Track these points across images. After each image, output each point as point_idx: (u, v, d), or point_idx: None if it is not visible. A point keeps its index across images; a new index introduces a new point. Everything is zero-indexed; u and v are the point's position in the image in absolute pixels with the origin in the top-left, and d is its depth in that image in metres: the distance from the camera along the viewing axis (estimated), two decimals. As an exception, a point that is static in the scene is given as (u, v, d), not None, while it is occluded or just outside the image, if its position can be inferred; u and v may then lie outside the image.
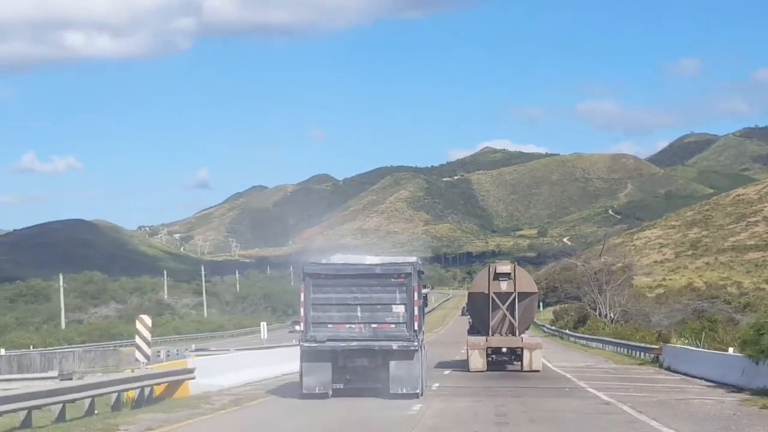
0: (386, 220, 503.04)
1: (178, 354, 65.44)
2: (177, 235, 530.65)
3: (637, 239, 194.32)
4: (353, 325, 29.29)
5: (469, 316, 48.94)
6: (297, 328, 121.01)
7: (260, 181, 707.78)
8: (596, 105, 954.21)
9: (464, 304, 54.03)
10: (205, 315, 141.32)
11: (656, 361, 50.41)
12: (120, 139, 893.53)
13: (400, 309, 29.19)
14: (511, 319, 44.33)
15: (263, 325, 78.47)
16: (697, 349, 46.22)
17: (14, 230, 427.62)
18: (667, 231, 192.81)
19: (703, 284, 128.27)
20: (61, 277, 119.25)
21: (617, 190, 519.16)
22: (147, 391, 29.53)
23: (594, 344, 76.45)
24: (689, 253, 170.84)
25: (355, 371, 30.15)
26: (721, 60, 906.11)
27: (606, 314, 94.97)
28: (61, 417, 24.40)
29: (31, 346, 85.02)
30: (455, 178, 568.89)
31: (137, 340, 31.93)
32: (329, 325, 29.37)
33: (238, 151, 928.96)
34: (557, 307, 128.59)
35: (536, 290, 47.80)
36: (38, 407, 23.67)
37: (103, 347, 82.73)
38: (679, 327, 65.02)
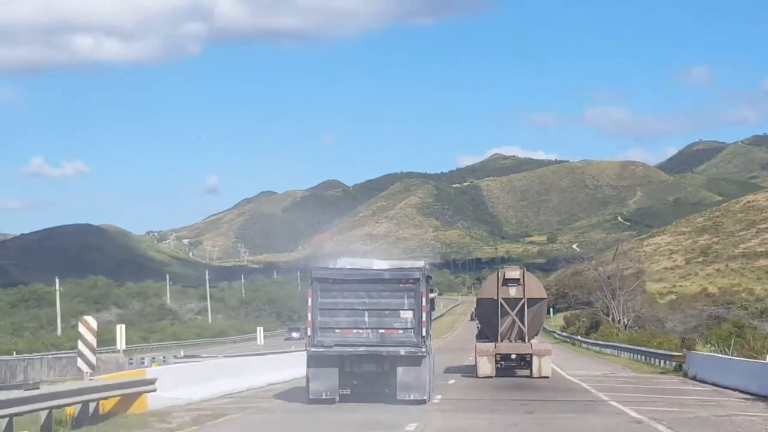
0: (396, 226, 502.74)
1: (165, 360, 62.07)
2: (186, 241, 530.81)
3: (647, 245, 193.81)
4: (361, 331, 28.99)
5: (477, 322, 48.50)
6: (294, 335, 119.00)
7: (269, 187, 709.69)
8: (605, 112, 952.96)
9: (473, 310, 53.59)
10: (210, 320, 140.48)
11: (679, 370, 47.58)
12: (129, 143, 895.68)
13: (408, 314, 28.91)
14: (521, 325, 44.00)
15: (260, 330, 77.43)
16: (728, 357, 43.05)
17: (22, 234, 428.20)
18: (677, 237, 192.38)
19: (717, 290, 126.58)
20: (57, 281, 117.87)
21: (626, 197, 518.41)
22: (92, 406, 25.11)
23: (608, 351, 73.83)
24: (700, 259, 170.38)
25: (363, 377, 29.90)
26: (730, 68, 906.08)
27: (619, 320, 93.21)
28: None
29: (14, 352, 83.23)
30: (465, 184, 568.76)
31: (80, 346, 28.83)
32: (337, 330, 29.04)
33: (247, 157, 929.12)
34: (568, 313, 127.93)
35: (545, 296, 47.35)
36: None
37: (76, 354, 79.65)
38: (705, 333, 63.58)
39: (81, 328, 28.97)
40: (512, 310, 43.86)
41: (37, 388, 25.53)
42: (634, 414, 27.08)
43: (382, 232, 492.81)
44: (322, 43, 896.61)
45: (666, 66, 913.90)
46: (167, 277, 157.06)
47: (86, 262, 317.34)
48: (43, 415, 21.65)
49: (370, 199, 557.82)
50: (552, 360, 53.06)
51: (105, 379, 27.62)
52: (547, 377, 43.16)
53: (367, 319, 28.92)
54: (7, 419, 19.71)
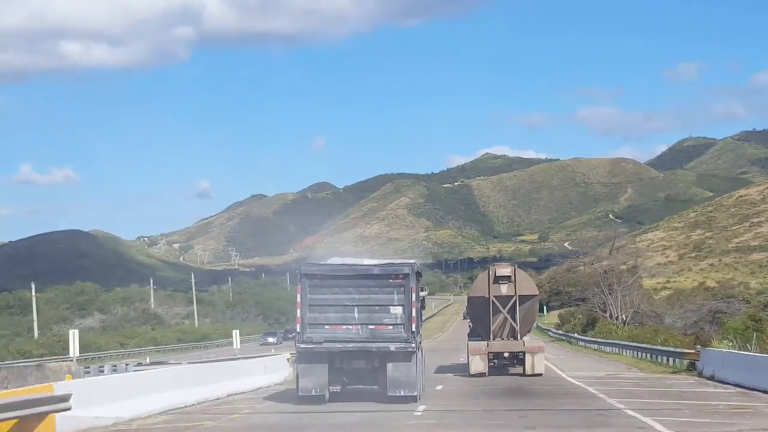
0: (387, 227, 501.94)
1: (126, 368, 57.56)
2: (176, 245, 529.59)
3: (640, 241, 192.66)
4: (350, 327, 28.76)
5: (469, 321, 47.94)
6: (270, 340, 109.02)
7: (260, 190, 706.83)
8: (595, 110, 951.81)
9: (465, 309, 52.61)
10: (197, 324, 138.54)
11: (692, 369, 43.73)
12: (119, 149, 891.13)
13: (397, 310, 28.69)
14: (512, 323, 43.50)
15: (235, 334, 74.94)
16: (753, 354, 38.46)
17: (10, 242, 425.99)
18: (670, 233, 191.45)
19: (716, 284, 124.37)
20: (33, 286, 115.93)
21: (617, 195, 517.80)
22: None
23: (608, 349, 70.18)
24: (693, 254, 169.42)
25: (353, 373, 29.70)
26: (719, 64, 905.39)
27: (617, 316, 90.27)
28: None
29: None
30: (456, 184, 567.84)
31: None
32: (326, 327, 28.79)
33: (237, 161, 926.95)
34: (563, 311, 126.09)
35: (537, 293, 46.72)
36: None
37: (23, 364, 68.25)
38: (708, 328, 61.67)
39: None
40: (504, 308, 43.42)
41: None
42: (659, 428, 22.70)
43: (374, 233, 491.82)
44: (311, 46, 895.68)
45: (654, 63, 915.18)
46: (151, 281, 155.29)
47: (75, 268, 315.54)
48: None
49: (360, 201, 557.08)
50: (549, 359, 51.94)
51: (-4, 398, 21.98)
52: (540, 374, 42.72)
53: (356, 315, 28.72)
54: None
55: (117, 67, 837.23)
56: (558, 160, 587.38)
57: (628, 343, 65.08)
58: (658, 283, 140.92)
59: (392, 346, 28.61)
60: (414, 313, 28.74)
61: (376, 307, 28.73)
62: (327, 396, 29.42)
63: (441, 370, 50.13)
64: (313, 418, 25.87)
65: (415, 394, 29.23)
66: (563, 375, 43.85)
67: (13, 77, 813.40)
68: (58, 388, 23.81)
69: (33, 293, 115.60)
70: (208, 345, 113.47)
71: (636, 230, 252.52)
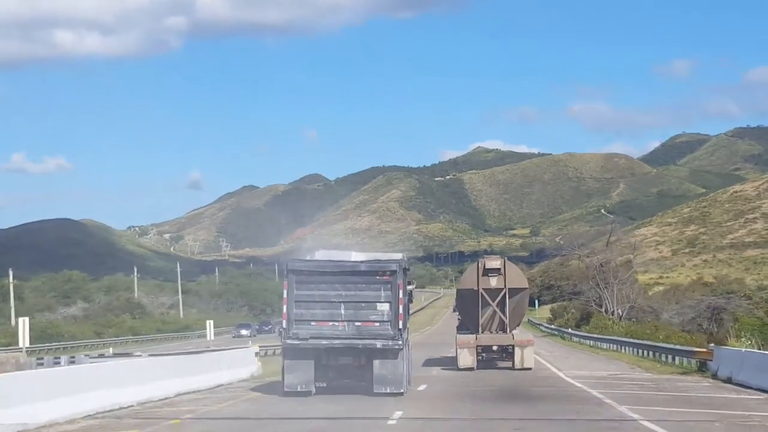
0: (378, 220, 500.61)
1: (75, 360, 52.75)
2: (167, 235, 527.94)
3: (632, 237, 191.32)
4: (337, 323, 28.78)
5: (458, 313, 47.44)
6: (243, 332, 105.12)
7: (251, 181, 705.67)
8: (588, 106, 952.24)
9: (455, 302, 51.69)
10: (182, 315, 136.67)
11: (704, 370, 40.06)
12: (111, 138, 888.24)
13: (384, 307, 28.68)
14: (502, 316, 43.04)
15: (209, 324, 72.37)
16: None
17: (0, 230, 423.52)
18: (664, 228, 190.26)
19: (714, 279, 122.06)
20: (11, 272, 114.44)
21: (610, 190, 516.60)
22: None
23: (605, 345, 66.31)
24: (686, 250, 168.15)
25: (339, 370, 29.71)
26: (712, 61, 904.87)
27: (613, 311, 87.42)
28: None
29: None
30: (447, 177, 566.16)
31: None
32: (312, 323, 28.82)
33: (229, 151, 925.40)
34: (555, 305, 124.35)
35: (527, 286, 46.42)
36: None
37: None
38: (706, 324, 59.81)
39: None
40: (493, 301, 42.94)
41: None
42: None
43: (365, 225, 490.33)
44: (304, 37, 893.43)
45: (648, 60, 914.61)
46: (135, 269, 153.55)
47: (65, 257, 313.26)
48: None
49: (352, 193, 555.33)
50: (543, 356, 50.47)
51: None
52: (529, 368, 42.38)
53: (343, 312, 28.71)
54: None
55: (110, 56, 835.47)
56: (550, 154, 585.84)
57: (628, 339, 61.33)
58: (651, 278, 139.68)
59: (379, 343, 28.57)
60: (401, 310, 28.61)
61: (363, 304, 28.66)
62: (313, 391, 29.36)
63: (428, 363, 49.11)
64: (269, 426, 23.40)
65: (402, 390, 29.16)
66: (561, 374, 40.73)
67: (5, 65, 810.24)
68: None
69: (10, 280, 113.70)
70: (188, 336, 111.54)
71: (628, 225, 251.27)
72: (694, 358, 42.82)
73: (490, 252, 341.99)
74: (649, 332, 62.02)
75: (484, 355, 44.03)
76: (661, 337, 57.39)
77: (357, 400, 28.12)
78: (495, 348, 43.70)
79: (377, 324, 28.70)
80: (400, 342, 28.76)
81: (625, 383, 35.68)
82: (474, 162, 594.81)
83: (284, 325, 29.16)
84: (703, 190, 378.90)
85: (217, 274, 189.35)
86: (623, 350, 59.56)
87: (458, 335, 44.25)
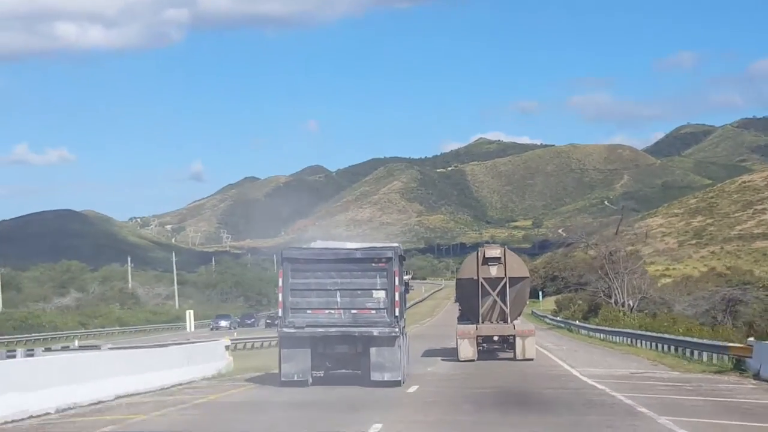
0: (379, 211, 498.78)
1: (34, 353, 48.35)
2: (168, 227, 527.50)
3: (638, 228, 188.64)
4: (333, 311, 28.58)
5: (458, 304, 46.68)
6: (222, 323, 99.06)
7: (253, 173, 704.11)
8: (591, 98, 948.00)
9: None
10: (177, 305, 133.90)
11: (742, 368, 35.38)
12: (113, 130, 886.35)
13: (380, 294, 28.52)
14: (502, 306, 42.44)
15: (189, 314, 69.31)
16: None
17: (2, 221, 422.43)
18: (670, 219, 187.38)
19: (727, 270, 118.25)
20: None
21: (613, 181, 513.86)
22: None
23: (617, 339, 61.51)
24: (693, 242, 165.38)
25: (335, 358, 29.56)
26: (717, 52, 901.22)
27: (623, 302, 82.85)
28: None
29: None
30: (449, 169, 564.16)
31: None
32: (308, 311, 28.61)
33: (231, 143, 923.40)
34: (560, 296, 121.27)
35: (528, 275, 45.75)
36: None
37: None
38: (721, 317, 56.26)
39: None
40: (493, 290, 42.33)
41: None
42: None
43: (366, 217, 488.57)
44: (305, 29, 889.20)
45: (651, 51, 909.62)
46: (129, 259, 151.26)
47: (66, 247, 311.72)
48: None
49: (353, 185, 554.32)
50: (552, 351, 47.79)
51: None
52: (531, 359, 41.65)
53: (339, 300, 28.51)
54: None
55: (112, 49, 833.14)
56: (553, 146, 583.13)
57: (644, 333, 55.98)
58: (657, 270, 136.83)
59: (375, 331, 28.34)
60: (397, 297, 28.47)
61: (359, 292, 28.48)
62: (310, 381, 29.12)
63: (428, 354, 47.94)
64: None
65: (399, 378, 28.95)
66: (575, 373, 35.68)
67: (8, 58, 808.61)
68: None
69: None
70: (179, 327, 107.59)
71: (630, 218, 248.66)
72: (727, 354, 38.26)
73: (491, 244, 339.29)
74: (666, 325, 58.04)
75: (484, 345, 43.41)
76: (681, 330, 53.01)
77: (334, 404, 24.63)
78: (496, 338, 43.12)
79: (373, 311, 28.44)
80: (397, 329, 28.50)
81: (654, 385, 30.70)
82: (476, 153, 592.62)
83: (280, 314, 28.85)
84: (709, 182, 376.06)
85: (213, 264, 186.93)
86: (639, 344, 54.67)
87: (458, 326, 43.53)
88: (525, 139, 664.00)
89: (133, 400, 26.18)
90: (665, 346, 48.29)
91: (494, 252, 43.01)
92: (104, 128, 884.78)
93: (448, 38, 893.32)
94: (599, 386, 29.38)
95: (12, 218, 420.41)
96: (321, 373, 30.06)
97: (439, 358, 44.76)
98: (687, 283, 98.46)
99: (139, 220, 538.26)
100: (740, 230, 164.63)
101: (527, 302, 57.64)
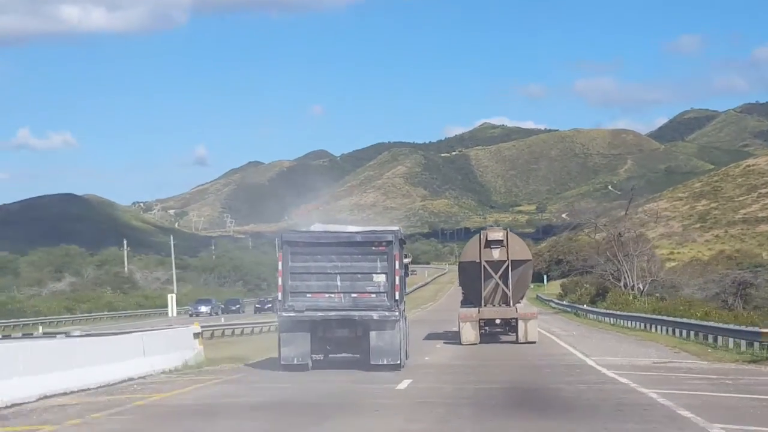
0: (383, 196, 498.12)
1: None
2: (171, 211, 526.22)
3: (641, 212, 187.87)
4: (332, 295, 28.46)
5: (462, 288, 46.53)
6: (202, 309, 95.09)
7: (257, 157, 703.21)
8: (595, 82, 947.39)
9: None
10: (175, 290, 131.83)
11: None
12: (117, 114, 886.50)
13: (380, 278, 28.41)
14: (505, 289, 42.36)
15: (171, 298, 66.94)
16: None
17: (3, 204, 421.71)
18: (674, 203, 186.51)
19: (737, 252, 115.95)
20: None
21: (617, 166, 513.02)
22: None
23: (629, 324, 58.16)
24: (697, 225, 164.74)
25: (335, 342, 29.43)
26: (720, 37, 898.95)
27: (633, 285, 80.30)
28: None
29: None
30: (453, 153, 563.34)
31: None
32: (308, 295, 28.50)
33: (235, 127, 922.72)
34: (565, 280, 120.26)
35: (530, 258, 45.70)
36: None
37: None
38: (732, 300, 54.69)
39: None
40: (496, 273, 42.33)
41: None
42: None
43: (370, 201, 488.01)
44: (310, 12, 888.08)
45: (655, 36, 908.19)
46: (125, 242, 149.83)
47: (67, 232, 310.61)
48: None
49: (357, 169, 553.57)
50: (561, 337, 47.37)
51: None
52: (533, 342, 41.38)
53: (339, 283, 28.42)
54: None
55: (115, 31, 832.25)
56: (557, 130, 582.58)
57: (660, 317, 52.43)
58: (662, 253, 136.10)
59: (375, 315, 28.19)
60: (397, 281, 28.35)
61: (359, 275, 28.36)
62: (310, 365, 29.01)
63: (430, 337, 47.53)
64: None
65: (399, 362, 28.80)
66: (590, 362, 31.93)
67: (11, 40, 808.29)
68: None
69: None
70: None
71: (637, 201, 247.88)
72: (759, 341, 34.79)
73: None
74: (682, 309, 54.42)
75: (487, 328, 43.48)
76: (699, 314, 49.98)
77: (304, 409, 20.56)
78: (498, 321, 43.13)
79: (373, 295, 28.27)
80: (397, 313, 28.36)
81: (685, 378, 26.35)
82: (480, 138, 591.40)
83: (280, 298, 28.69)
84: (712, 167, 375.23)
85: (213, 247, 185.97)
86: (653, 329, 51.62)
87: (460, 309, 43.39)
88: (529, 124, 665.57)
89: (58, 401, 21.78)
90: (684, 332, 45.32)
91: (496, 235, 43.01)
92: (107, 112, 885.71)
93: (453, 23, 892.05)
94: (621, 379, 25.52)
95: (13, 202, 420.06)
96: (321, 357, 29.97)
97: (441, 341, 44.33)
98: (695, 266, 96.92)
99: (142, 204, 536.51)
100: (744, 214, 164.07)
101: (530, 285, 57.48)
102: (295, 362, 28.77)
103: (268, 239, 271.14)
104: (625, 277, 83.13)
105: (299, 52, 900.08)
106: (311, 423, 18.04)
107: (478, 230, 45.52)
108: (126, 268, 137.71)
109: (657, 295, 74.77)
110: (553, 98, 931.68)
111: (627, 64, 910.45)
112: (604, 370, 28.75)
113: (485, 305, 42.46)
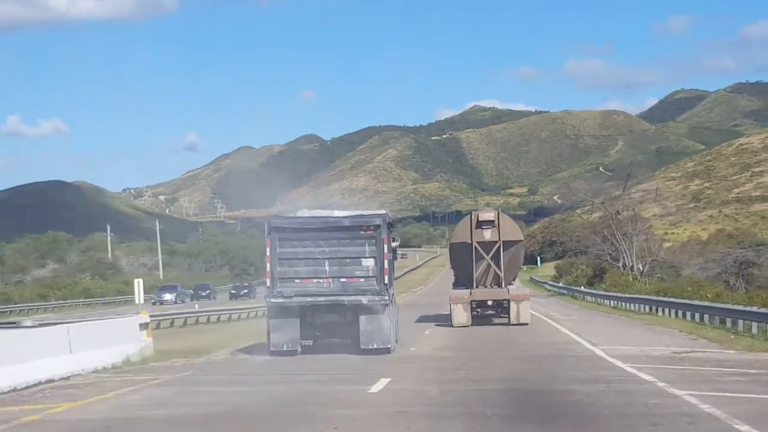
0: (374, 180, 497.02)
1: None
2: (162, 197, 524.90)
3: (635, 192, 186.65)
4: (321, 280, 28.27)
5: (453, 270, 46.04)
6: (167, 297, 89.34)
7: (247, 142, 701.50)
8: (585, 64, 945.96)
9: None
10: (161, 275, 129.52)
11: None
12: (107, 101, 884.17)
13: (369, 262, 28.22)
14: (497, 270, 41.81)
15: (138, 283, 63.72)
16: None
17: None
18: (667, 183, 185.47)
19: (736, 230, 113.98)
20: None
21: (608, 147, 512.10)
22: None
23: (632, 306, 54.62)
24: (691, 205, 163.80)
25: (325, 327, 29.24)
26: (710, 17, 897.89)
27: (632, 266, 77.28)
28: None
29: None
30: (444, 136, 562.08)
31: None
32: (296, 281, 28.28)
33: (225, 113, 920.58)
34: (560, 261, 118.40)
35: (522, 238, 45.18)
36: None
37: None
38: (734, 280, 52.94)
39: None
40: (487, 255, 41.85)
41: None
42: None
43: (361, 185, 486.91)
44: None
45: (645, 16, 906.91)
46: (108, 228, 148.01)
47: (56, 219, 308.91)
48: None
49: (348, 153, 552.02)
50: (560, 321, 46.02)
51: None
52: (525, 324, 40.72)
53: (327, 268, 28.25)
54: None
55: (105, 18, 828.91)
56: (548, 112, 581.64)
57: (669, 299, 48.65)
58: (656, 234, 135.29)
59: (364, 299, 28.01)
60: (386, 265, 28.22)
61: (348, 260, 28.15)
62: (299, 350, 28.82)
63: (422, 320, 46.98)
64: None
65: (389, 346, 28.63)
66: (600, 353, 27.71)
67: (0, 28, 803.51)
68: None
69: None
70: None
71: (631, 181, 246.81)
72: None
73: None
74: (690, 290, 51.03)
75: (479, 310, 43.16)
76: (709, 296, 47.00)
77: (248, 419, 16.23)
78: (490, 303, 42.69)
79: (362, 280, 28.07)
80: (387, 297, 28.22)
81: (722, 373, 21.65)
82: (470, 121, 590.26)
83: (268, 284, 28.41)
84: (703, 147, 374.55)
85: (200, 231, 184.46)
86: (659, 312, 48.11)
87: (452, 291, 43.02)
88: (520, 106, 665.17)
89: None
90: (695, 315, 41.49)
91: (488, 215, 42.52)
92: (98, 99, 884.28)
93: (442, 5, 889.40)
94: (643, 375, 21.06)
95: (3, 190, 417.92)
96: (310, 342, 29.86)
97: (432, 324, 43.78)
98: (695, 245, 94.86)
99: (132, 191, 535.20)
100: (738, 193, 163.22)
101: (522, 267, 56.29)
102: (285, 348, 28.51)
103: (257, 224, 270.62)
104: (623, 257, 79.49)
105: (289, 37, 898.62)
106: None
107: (470, 213, 44.29)
108: (110, 254, 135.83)
109: (658, 275, 72.60)
110: (544, 80, 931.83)
111: (617, 45, 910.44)
112: (618, 363, 24.07)
113: (477, 287, 42.02)
